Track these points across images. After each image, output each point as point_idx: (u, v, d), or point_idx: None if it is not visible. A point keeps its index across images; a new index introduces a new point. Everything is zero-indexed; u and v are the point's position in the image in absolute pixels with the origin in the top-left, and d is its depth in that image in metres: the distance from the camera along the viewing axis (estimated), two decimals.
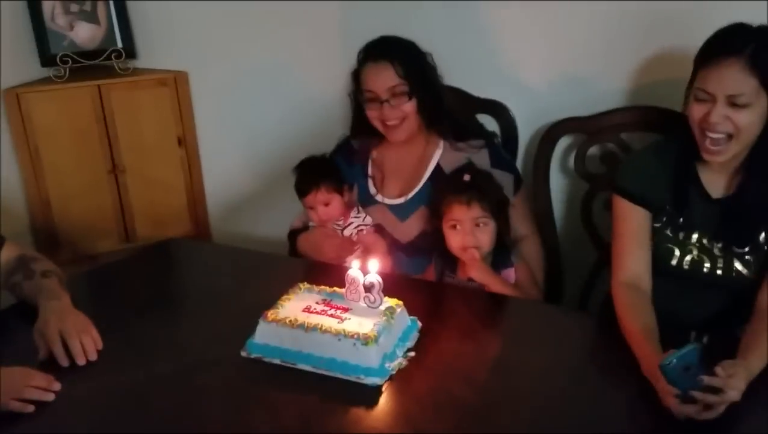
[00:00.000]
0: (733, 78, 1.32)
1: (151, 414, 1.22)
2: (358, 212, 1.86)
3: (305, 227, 1.91)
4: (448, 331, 1.47)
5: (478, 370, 1.33)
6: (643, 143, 1.88)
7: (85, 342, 1.35)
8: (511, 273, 1.72)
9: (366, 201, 1.89)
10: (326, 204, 1.82)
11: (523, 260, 1.77)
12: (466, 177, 1.69)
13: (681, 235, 1.49)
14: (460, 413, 1.20)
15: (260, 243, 2.23)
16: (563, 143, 2.02)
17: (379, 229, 1.86)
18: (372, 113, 1.80)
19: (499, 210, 1.70)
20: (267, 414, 1.21)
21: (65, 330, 1.35)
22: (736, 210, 1.43)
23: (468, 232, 1.65)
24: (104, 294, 1.72)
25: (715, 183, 1.47)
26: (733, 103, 1.34)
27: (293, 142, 2.39)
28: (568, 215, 2.09)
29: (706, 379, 1.11)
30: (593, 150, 1.96)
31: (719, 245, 1.46)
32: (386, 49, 1.78)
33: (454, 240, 1.68)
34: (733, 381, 1.13)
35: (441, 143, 1.86)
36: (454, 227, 1.67)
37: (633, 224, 1.50)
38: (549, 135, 1.97)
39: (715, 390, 1.12)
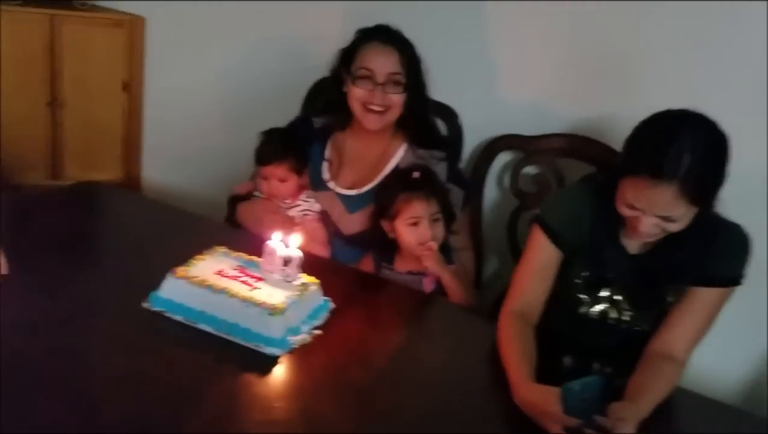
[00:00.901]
0: (666, 202, 1.26)
1: (39, 351, 1.20)
2: (308, 197, 1.84)
3: (248, 196, 1.88)
4: (359, 317, 1.49)
5: (377, 357, 1.36)
6: (575, 171, 1.95)
7: None
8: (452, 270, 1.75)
9: (317, 185, 1.86)
10: (282, 180, 1.79)
11: (460, 263, 1.81)
12: (416, 174, 1.71)
13: (593, 288, 1.49)
14: (350, 394, 1.23)
15: (189, 201, 2.21)
16: (502, 158, 2.07)
17: (323, 216, 1.84)
18: (358, 92, 1.76)
19: (445, 202, 1.73)
20: (159, 366, 1.21)
21: None
22: (649, 269, 1.43)
23: (428, 228, 1.67)
24: (20, 226, 1.66)
25: (633, 241, 1.44)
26: (665, 217, 1.30)
27: (239, 109, 2.38)
28: (495, 226, 2.15)
29: (599, 419, 1.13)
30: (528, 169, 2.01)
31: (629, 301, 1.47)
32: (397, 37, 1.78)
33: (413, 236, 1.68)
34: (622, 424, 1.14)
35: (404, 145, 1.86)
36: (414, 223, 1.68)
37: (542, 259, 1.48)
38: (490, 147, 2.02)
39: (605, 431, 1.13)
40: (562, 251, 1.46)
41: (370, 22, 1.83)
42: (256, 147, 1.81)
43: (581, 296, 1.49)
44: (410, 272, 1.73)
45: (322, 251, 1.78)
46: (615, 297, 1.48)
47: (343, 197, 1.85)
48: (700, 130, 1.28)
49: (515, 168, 2.01)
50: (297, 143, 1.84)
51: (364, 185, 1.85)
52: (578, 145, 1.94)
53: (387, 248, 1.75)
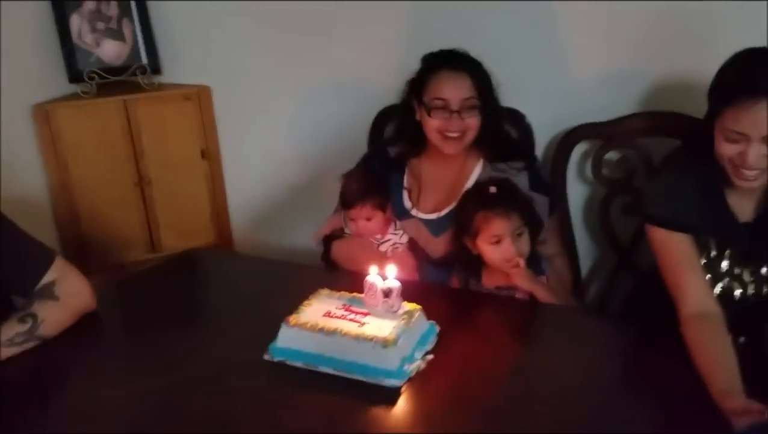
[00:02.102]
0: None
1: (180, 418, 1.25)
2: (396, 229, 1.85)
3: (338, 234, 1.91)
4: (466, 335, 1.49)
5: (496, 372, 1.35)
6: (659, 148, 1.90)
7: None
8: (542, 280, 1.71)
9: (400, 214, 1.88)
10: (368, 219, 1.81)
11: (553, 270, 1.77)
12: (492, 189, 1.67)
13: (712, 262, 1.46)
14: (480, 412, 1.22)
15: (281, 253, 2.27)
16: (579, 149, 2.04)
17: (411, 243, 1.85)
18: (435, 122, 1.77)
19: (528, 213, 1.68)
20: (293, 415, 1.24)
21: None
22: (765, 233, 1.41)
23: (511, 244, 1.63)
24: (131, 304, 1.76)
25: (743, 207, 1.44)
26: None
27: (313, 155, 2.44)
28: (585, 220, 2.11)
29: None
30: (610, 155, 1.97)
31: (749, 270, 1.44)
32: (465, 61, 1.78)
33: (497, 254, 1.65)
34: None
35: (480, 161, 1.86)
36: (497, 242, 1.64)
37: (678, 252, 1.43)
38: (565, 142, 1.99)
39: None
40: (687, 234, 1.43)
41: (427, 44, 1.84)
42: (341, 191, 1.85)
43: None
44: (499, 288, 1.69)
45: (412, 278, 1.79)
46: (734, 268, 1.44)
47: (426, 222, 1.86)
48: None
49: (596, 157, 1.97)
50: (377, 181, 1.86)
51: (445, 207, 1.85)
52: (657, 122, 1.89)
53: (473, 265, 1.72)
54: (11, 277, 1.53)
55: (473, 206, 1.68)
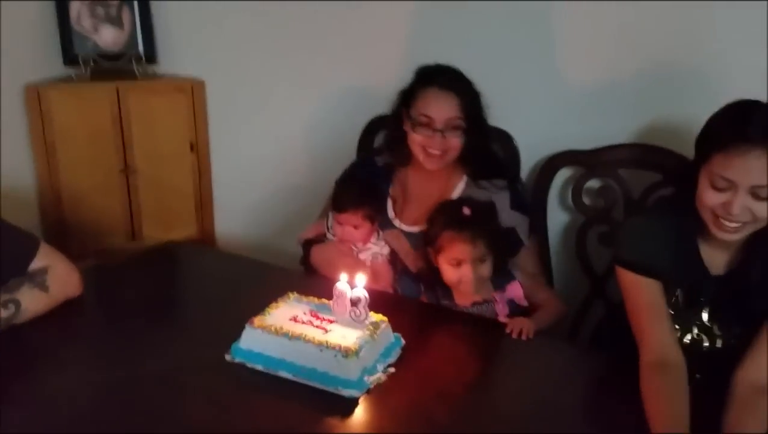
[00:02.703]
0: (760, 170, 1.25)
1: (131, 412, 1.25)
2: (378, 239, 1.86)
3: (320, 239, 1.92)
4: (431, 350, 1.50)
5: (454, 389, 1.36)
6: (641, 180, 1.92)
7: None
8: (516, 286, 1.70)
9: (383, 223, 1.88)
10: (356, 227, 1.81)
11: (520, 269, 1.75)
12: (466, 210, 1.65)
13: (681, 312, 1.45)
14: (431, 430, 1.23)
15: (262, 252, 2.28)
16: (563, 175, 2.05)
17: (392, 254, 1.86)
18: (418, 138, 1.78)
19: (496, 240, 1.66)
20: (246, 418, 1.24)
21: None
22: (737, 288, 1.39)
23: (470, 270, 1.61)
24: (105, 293, 1.76)
25: (715, 260, 1.42)
26: (755, 193, 1.28)
27: (303, 157, 2.45)
28: (562, 246, 2.12)
29: None
30: (591, 183, 1.99)
31: (717, 324, 1.43)
32: (454, 80, 1.76)
33: (454, 276, 1.64)
34: None
35: (464, 177, 1.86)
36: (458, 264, 1.63)
37: (647, 296, 1.41)
38: (548, 166, 2.01)
39: None
40: (659, 280, 1.41)
41: (423, 55, 1.85)
42: (334, 194, 1.85)
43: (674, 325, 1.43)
44: (476, 303, 1.68)
45: (388, 289, 1.80)
46: (704, 320, 1.44)
47: (408, 235, 1.87)
48: None
49: (577, 184, 1.99)
50: (374, 191, 1.86)
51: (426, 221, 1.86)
52: (640, 154, 1.90)
53: (440, 282, 1.70)
54: None
55: (443, 221, 1.67)
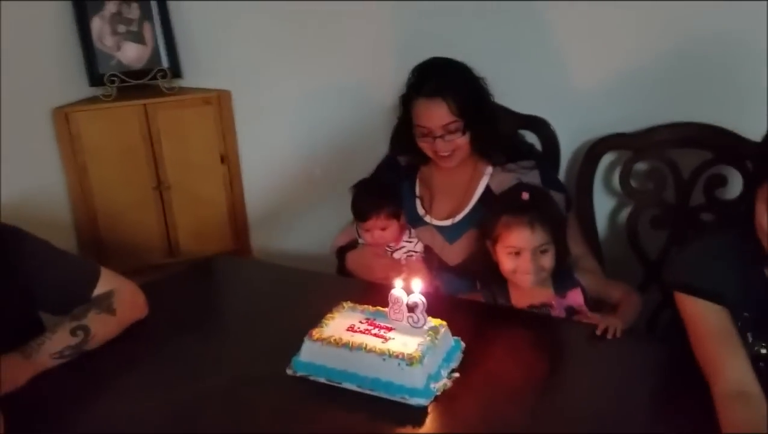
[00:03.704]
0: None
1: (196, 431, 1.23)
2: (410, 237, 1.84)
3: (353, 245, 1.91)
4: (493, 351, 1.45)
5: (524, 390, 1.32)
6: (687, 160, 1.86)
7: None
8: (577, 294, 1.63)
9: (414, 221, 1.87)
10: (383, 229, 1.80)
11: (587, 273, 1.69)
12: (525, 195, 1.58)
13: (751, 337, 1.34)
14: (509, 432, 1.19)
15: (299, 260, 2.25)
16: (607, 159, 1.99)
17: (427, 250, 1.84)
18: (424, 145, 1.78)
19: (558, 231, 1.59)
20: (311, 431, 1.22)
21: None
22: None
23: (530, 261, 1.54)
24: (150, 311, 1.74)
25: None
26: None
27: (332, 161, 2.42)
28: (612, 233, 2.07)
29: None
30: (638, 167, 1.93)
31: None
32: (440, 85, 1.72)
33: (510, 265, 1.58)
34: None
35: (490, 165, 1.84)
36: (516, 253, 1.56)
37: (716, 323, 1.31)
38: (592, 151, 1.96)
39: None
40: (726, 306, 1.31)
41: (440, 49, 1.81)
42: (352, 206, 1.83)
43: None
44: (532, 306, 1.62)
45: (428, 286, 1.75)
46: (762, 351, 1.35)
47: (440, 229, 1.84)
48: None
49: (624, 168, 1.93)
50: (387, 189, 1.85)
51: (458, 213, 1.84)
52: (687, 133, 1.85)
53: (495, 279, 1.64)
54: (58, 296, 1.49)
55: (500, 208, 1.61)
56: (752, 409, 1.18)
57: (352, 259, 1.88)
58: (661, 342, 1.41)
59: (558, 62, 2.03)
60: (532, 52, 2.03)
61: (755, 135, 1.34)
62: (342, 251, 1.92)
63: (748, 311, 1.33)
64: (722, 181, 1.82)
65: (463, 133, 1.74)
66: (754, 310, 1.33)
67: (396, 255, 1.82)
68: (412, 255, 1.82)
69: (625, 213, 1.98)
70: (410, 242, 1.83)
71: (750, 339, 1.33)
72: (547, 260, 1.58)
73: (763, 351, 1.34)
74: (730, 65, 1.82)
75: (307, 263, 2.04)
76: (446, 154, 1.76)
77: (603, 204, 2.06)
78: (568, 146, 2.04)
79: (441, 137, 1.73)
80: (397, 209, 1.81)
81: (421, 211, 1.87)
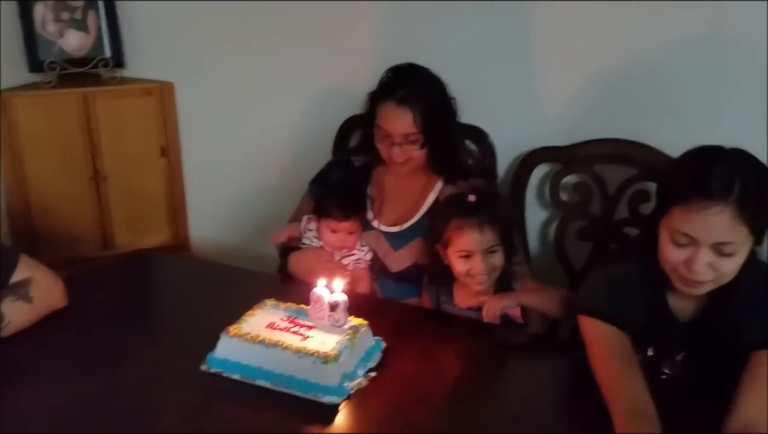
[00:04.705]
0: (722, 226, 1.18)
1: (105, 424, 1.23)
2: (362, 245, 1.82)
3: (294, 245, 1.88)
4: (413, 354, 1.47)
5: (435, 393, 1.34)
6: (614, 175, 1.92)
7: None
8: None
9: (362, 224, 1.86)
10: (351, 233, 1.77)
11: (525, 276, 1.72)
12: (471, 197, 1.61)
13: (653, 365, 1.37)
14: None
15: (238, 257, 2.25)
16: (539, 171, 2.04)
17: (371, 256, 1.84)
18: (381, 147, 1.79)
19: (506, 230, 1.62)
20: (220, 427, 1.22)
21: None
22: (704, 335, 1.34)
23: (481, 261, 1.57)
24: (78, 302, 1.71)
25: (683, 308, 1.37)
26: (719, 250, 1.21)
27: (276, 158, 2.42)
28: (541, 243, 2.12)
29: None
30: (568, 180, 1.98)
31: (692, 366, 1.38)
32: (411, 94, 1.73)
33: (463, 268, 1.60)
34: None
35: (441, 178, 1.85)
36: (467, 256, 1.58)
37: (614, 345, 1.32)
38: (524, 163, 2.00)
39: None
40: (627, 332, 1.33)
41: (398, 55, 1.84)
42: (325, 201, 1.78)
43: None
44: (471, 308, 1.65)
45: (370, 293, 1.78)
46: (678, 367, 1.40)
47: (387, 235, 1.84)
48: (741, 155, 1.24)
49: (553, 181, 1.98)
50: (362, 194, 1.84)
51: (406, 221, 1.84)
52: (615, 149, 1.90)
53: (444, 280, 1.67)
54: None
55: (448, 212, 1.63)
56: (649, 428, 1.19)
57: (296, 260, 1.84)
58: (575, 353, 1.45)
59: (498, 75, 2.07)
60: (472, 63, 2.06)
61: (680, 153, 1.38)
62: (285, 251, 1.88)
63: (652, 339, 1.37)
64: (645, 197, 1.87)
65: (422, 147, 1.75)
66: (657, 337, 1.37)
67: (345, 261, 1.80)
68: (360, 263, 1.81)
69: (555, 224, 2.02)
70: (361, 250, 1.82)
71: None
72: (498, 259, 1.60)
73: (663, 376, 1.39)
74: (662, 84, 1.89)
75: (246, 260, 2.04)
76: (400, 161, 1.77)
77: (535, 215, 2.10)
78: (504, 157, 2.08)
79: (399, 144, 1.74)
80: (365, 217, 1.82)
81: (370, 215, 1.87)
